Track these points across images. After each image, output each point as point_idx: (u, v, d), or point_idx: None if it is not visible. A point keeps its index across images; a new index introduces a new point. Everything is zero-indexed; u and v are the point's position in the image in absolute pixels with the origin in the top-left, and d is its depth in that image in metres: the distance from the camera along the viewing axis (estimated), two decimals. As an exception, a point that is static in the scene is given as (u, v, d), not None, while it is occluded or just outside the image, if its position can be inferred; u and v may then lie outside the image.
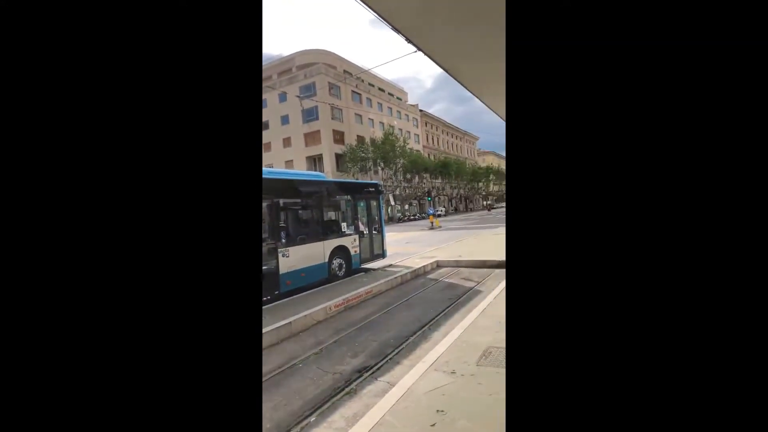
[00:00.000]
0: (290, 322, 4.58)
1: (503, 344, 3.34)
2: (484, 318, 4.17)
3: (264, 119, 38.40)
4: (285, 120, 36.86)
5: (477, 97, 5.11)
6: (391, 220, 34.14)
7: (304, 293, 6.13)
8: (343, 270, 7.65)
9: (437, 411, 2.35)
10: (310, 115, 33.99)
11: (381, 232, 9.05)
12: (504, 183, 65.89)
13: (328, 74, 35.20)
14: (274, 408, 2.80)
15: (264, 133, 38.41)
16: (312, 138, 35.48)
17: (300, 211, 7.03)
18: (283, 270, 6.01)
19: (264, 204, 6.16)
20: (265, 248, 5.97)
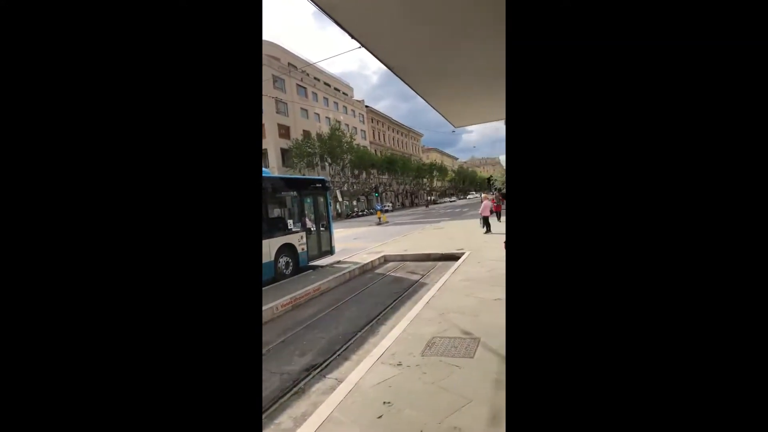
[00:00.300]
0: (233, 325, 4.40)
1: (447, 334, 3.50)
2: (429, 310, 4.33)
3: (202, 111, 35.99)
4: (225, 112, 34.86)
5: (420, 96, 5.24)
6: (339, 216, 33.93)
7: (249, 294, 5.90)
8: (290, 268, 7.48)
9: (384, 403, 2.41)
10: (252, 107, 32.48)
11: (329, 228, 8.98)
12: (446, 179, 68.39)
13: (271, 66, 33.91)
14: (216, 414, 2.69)
15: (202, 125, 36.01)
16: (255, 132, 33.97)
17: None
18: (225, 270, 5.74)
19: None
20: None
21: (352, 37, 3.21)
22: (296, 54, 40.44)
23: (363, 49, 3.44)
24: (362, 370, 2.91)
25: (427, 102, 5.57)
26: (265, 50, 36.32)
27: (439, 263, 7.85)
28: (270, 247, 6.95)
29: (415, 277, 6.91)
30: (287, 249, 7.46)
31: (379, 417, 2.27)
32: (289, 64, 37.08)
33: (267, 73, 33.00)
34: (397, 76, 4.22)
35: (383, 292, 6.05)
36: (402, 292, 5.87)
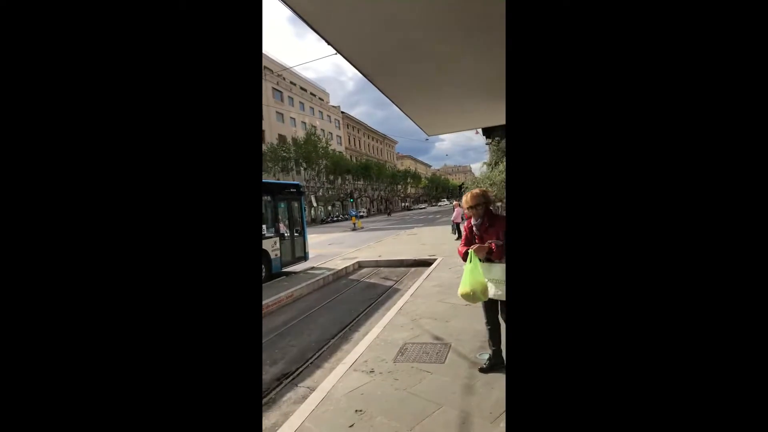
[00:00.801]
0: (201, 333, 4.26)
1: (418, 340, 3.53)
2: (401, 316, 4.35)
3: (171, 112, 34.91)
4: (197, 114, 33.96)
5: (394, 104, 5.30)
6: (314, 221, 33.55)
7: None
8: (263, 274, 7.33)
9: (356, 411, 2.40)
10: (225, 110, 31.78)
11: (303, 234, 8.87)
12: (420, 186, 69.17)
13: (245, 68, 33.27)
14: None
15: (171, 126, 34.92)
16: (228, 134, 33.22)
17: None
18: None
19: None
20: None
21: (328, 43, 3.22)
22: (272, 57, 40.00)
23: (339, 55, 3.46)
24: (334, 378, 2.88)
25: (401, 110, 5.64)
26: (239, 52, 35.61)
27: (412, 269, 7.90)
28: (241, 252, 6.78)
29: (388, 283, 6.92)
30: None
31: (351, 425, 2.26)
32: (264, 67, 36.58)
33: (241, 76, 32.31)
34: (371, 83, 4.26)
35: (357, 298, 6.03)
36: (376, 298, 5.87)
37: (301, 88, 42.63)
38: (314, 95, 45.56)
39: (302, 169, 34.48)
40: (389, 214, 42.11)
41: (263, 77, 34.55)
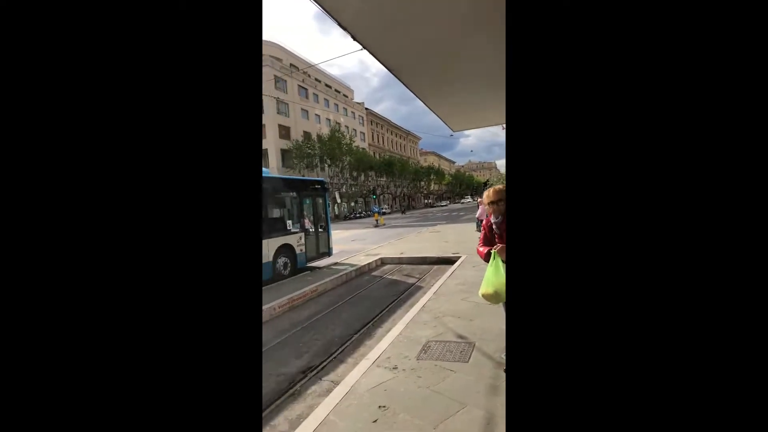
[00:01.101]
0: (229, 325, 4.39)
1: (442, 338, 3.51)
2: (424, 313, 4.33)
3: (202, 110, 35.97)
4: (226, 112, 34.85)
5: (419, 99, 5.26)
6: (338, 217, 33.89)
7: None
8: (288, 269, 7.48)
9: (379, 407, 2.42)
10: (253, 107, 32.47)
11: (327, 229, 8.97)
12: (443, 183, 68.49)
13: (274, 67, 33.94)
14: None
15: (202, 124, 35.99)
16: (255, 132, 33.96)
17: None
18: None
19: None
20: None
21: (354, 38, 3.23)
22: (298, 55, 40.49)
23: (364, 51, 3.46)
24: (358, 373, 2.91)
25: (426, 105, 5.59)
26: (267, 51, 36.38)
27: (435, 267, 7.86)
28: (268, 247, 6.94)
29: (411, 280, 6.91)
30: (286, 249, 7.46)
31: (375, 421, 2.27)
32: (291, 65, 37.12)
33: (269, 74, 33.04)
34: (397, 78, 4.25)
35: (380, 294, 6.05)
36: (398, 295, 5.87)
37: (326, 85, 43.01)
38: (338, 92, 45.87)
39: (326, 165, 34.85)
40: (403, 212, 41.07)
41: (289, 74, 35.09)
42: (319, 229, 8.70)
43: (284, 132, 34.51)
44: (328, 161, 34.57)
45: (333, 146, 33.73)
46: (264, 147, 33.68)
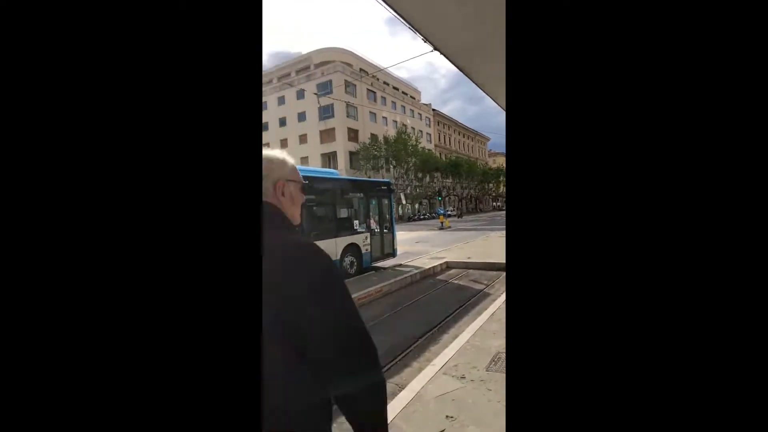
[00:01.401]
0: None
1: (514, 350, 3.30)
2: (493, 322, 4.13)
3: (282, 116, 38.72)
4: (302, 117, 37.11)
5: (491, 98, 5.06)
6: (402, 218, 34.08)
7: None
8: (354, 268, 7.67)
9: (446, 417, 2.34)
10: (326, 112, 34.13)
11: (392, 230, 9.05)
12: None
13: (344, 72, 35.26)
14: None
15: (281, 129, 38.77)
16: (327, 135, 35.62)
17: (314, 208, 7.07)
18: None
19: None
20: None
21: (426, 40, 3.20)
22: (368, 59, 41.58)
23: (434, 53, 3.41)
24: (424, 379, 2.85)
25: (497, 104, 5.36)
26: (338, 57, 37.93)
27: (504, 273, 7.48)
28: (336, 246, 7.18)
29: (478, 287, 6.67)
30: (352, 249, 7.66)
31: (442, 431, 2.21)
32: (360, 69, 38.23)
33: (340, 79, 34.38)
34: (467, 77, 4.13)
35: (445, 299, 5.92)
36: (465, 301, 5.69)
37: (394, 88, 43.53)
38: (406, 94, 46.15)
39: (391, 167, 35.25)
40: (460, 216, 39.03)
41: (359, 79, 36.15)
42: (384, 230, 8.80)
43: (353, 135, 35.61)
44: (393, 163, 34.91)
45: (399, 148, 33.99)
46: (333, 149, 35.15)
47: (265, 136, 39.55)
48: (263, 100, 39.87)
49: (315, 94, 23.42)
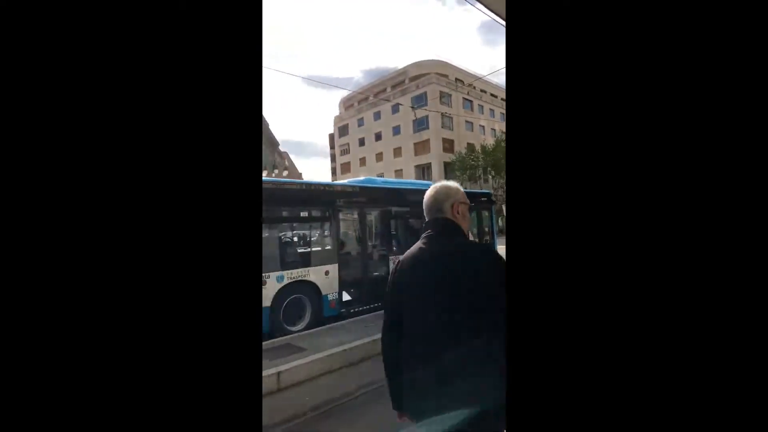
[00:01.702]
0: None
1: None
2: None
3: (377, 131, 40.50)
4: (396, 130, 38.24)
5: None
6: (503, 231, 32.34)
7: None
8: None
9: None
10: (420, 124, 34.54)
11: (493, 243, 8.50)
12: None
13: (439, 83, 35.41)
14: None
15: (377, 143, 40.54)
16: (422, 147, 36.03)
17: (409, 220, 7.01)
18: (392, 277, 6.04)
19: (376, 212, 6.36)
20: (376, 255, 6.25)
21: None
22: (464, 68, 41.13)
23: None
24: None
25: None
26: (433, 68, 38.29)
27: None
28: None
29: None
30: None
31: None
32: (456, 79, 37.95)
33: (435, 91, 34.56)
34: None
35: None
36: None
37: (492, 95, 42.12)
38: (504, 100, 44.27)
39: (490, 177, 33.84)
40: None
41: (454, 89, 35.86)
42: (485, 241, 8.30)
43: (447, 145, 35.33)
44: (492, 172, 33.46)
45: (498, 156, 32.52)
46: (427, 161, 35.28)
47: (361, 151, 41.73)
48: (360, 116, 42.23)
49: (411, 107, 23.74)
